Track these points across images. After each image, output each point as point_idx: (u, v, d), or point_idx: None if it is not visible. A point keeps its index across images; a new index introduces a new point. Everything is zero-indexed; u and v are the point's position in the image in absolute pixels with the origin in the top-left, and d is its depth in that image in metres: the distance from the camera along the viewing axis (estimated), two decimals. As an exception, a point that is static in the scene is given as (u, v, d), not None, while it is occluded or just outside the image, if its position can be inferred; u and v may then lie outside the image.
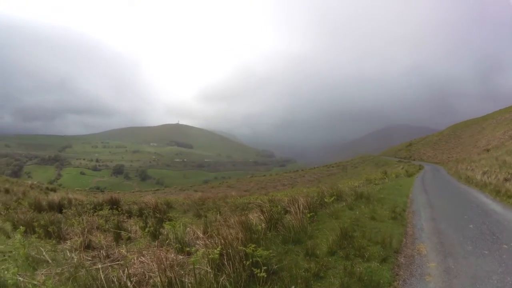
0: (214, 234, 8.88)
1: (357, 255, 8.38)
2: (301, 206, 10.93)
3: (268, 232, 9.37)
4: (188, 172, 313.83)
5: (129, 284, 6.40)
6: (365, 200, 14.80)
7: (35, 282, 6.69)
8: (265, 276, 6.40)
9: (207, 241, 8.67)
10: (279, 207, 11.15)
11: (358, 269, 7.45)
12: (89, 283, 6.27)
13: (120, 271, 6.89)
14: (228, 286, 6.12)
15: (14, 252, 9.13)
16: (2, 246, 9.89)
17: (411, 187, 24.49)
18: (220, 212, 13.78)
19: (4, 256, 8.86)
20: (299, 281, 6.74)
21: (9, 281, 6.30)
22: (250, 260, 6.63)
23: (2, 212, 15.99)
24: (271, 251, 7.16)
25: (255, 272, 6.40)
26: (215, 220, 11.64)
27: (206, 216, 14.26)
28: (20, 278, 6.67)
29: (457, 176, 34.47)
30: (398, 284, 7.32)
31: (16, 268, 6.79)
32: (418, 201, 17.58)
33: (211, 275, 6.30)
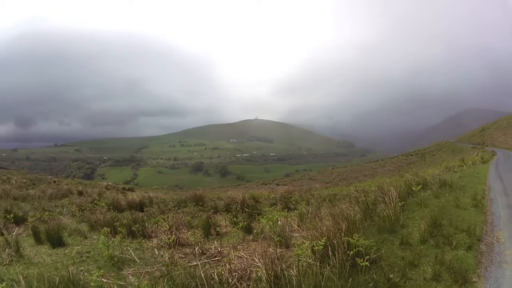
0: (310, 226, 8.82)
1: (445, 243, 8.26)
2: (393, 195, 10.77)
3: (364, 222, 9.21)
4: (269, 166, 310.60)
5: (230, 280, 6.21)
6: (448, 188, 14.52)
7: (121, 283, 6.70)
8: (368, 265, 6.27)
9: (303, 233, 8.69)
10: (372, 196, 11.03)
11: (447, 257, 7.35)
12: (187, 281, 6.09)
13: (219, 267, 6.72)
14: (333, 277, 5.90)
15: (92, 253, 9.25)
16: (78, 247, 10.09)
17: (487, 174, 23.85)
18: (309, 205, 13.56)
19: (82, 257, 8.93)
20: (396, 269, 6.65)
21: (92, 283, 6.17)
22: (354, 250, 6.45)
23: (77, 214, 16.26)
24: (372, 240, 7.04)
25: (358, 262, 6.24)
26: (306, 213, 11.37)
27: (295, 209, 13.90)
28: (103, 280, 6.60)
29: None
30: (480, 271, 7.20)
31: (101, 271, 6.62)
32: (495, 188, 17.07)
33: (316, 267, 6.06)
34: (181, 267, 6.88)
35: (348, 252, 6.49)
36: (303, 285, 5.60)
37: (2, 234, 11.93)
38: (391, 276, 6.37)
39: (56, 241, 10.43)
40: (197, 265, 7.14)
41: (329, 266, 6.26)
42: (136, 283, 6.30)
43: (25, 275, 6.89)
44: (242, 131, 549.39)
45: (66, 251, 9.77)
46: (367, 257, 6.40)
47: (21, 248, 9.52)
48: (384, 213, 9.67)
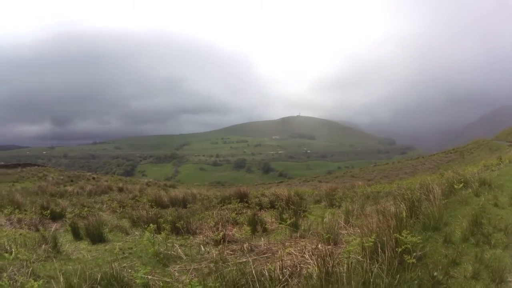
0: (357, 223, 8.88)
1: (485, 242, 8.04)
2: (438, 193, 10.68)
3: (409, 219, 9.13)
4: (312, 163, 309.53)
5: (281, 277, 6.10)
6: (487, 187, 14.36)
7: (168, 280, 6.58)
8: (414, 262, 6.22)
9: (350, 230, 8.62)
10: (418, 194, 10.97)
11: (486, 255, 7.20)
12: (237, 278, 6.03)
13: (269, 264, 6.63)
14: (381, 274, 5.84)
15: (135, 249, 9.19)
16: (120, 243, 10.04)
17: (523, 173, 23.50)
18: (353, 202, 13.47)
19: (124, 253, 8.83)
20: (440, 267, 6.53)
21: (138, 280, 6.11)
22: (402, 247, 6.36)
23: (117, 210, 16.46)
24: (419, 237, 6.91)
25: (405, 259, 6.17)
26: (351, 210, 11.27)
27: (339, 206, 13.86)
28: (148, 276, 6.46)
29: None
30: (515, 270, 7.22)
31: (147, 268, 6.66)
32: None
33: (366, 264, 6.04)
34: (231, 264, 6.87)
35: (396, 249, 6.42)
36: (352, 282, 5.55)
37: (38, 230, 11.93)
38: (435, 273, 6.27)
39: (96, 237, 10.39)
40: (246, 261, 7.10)
41: (377, 263, 6.18)
42: (186, 280, 6.16)
43: (63, 271, 6.75)
44: (284, 128, 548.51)
45: (107, 247, 9.73)
46: (414, 254, 6.38)
47: (59, 244, 9.35)
48: (429, 210, 9.52)
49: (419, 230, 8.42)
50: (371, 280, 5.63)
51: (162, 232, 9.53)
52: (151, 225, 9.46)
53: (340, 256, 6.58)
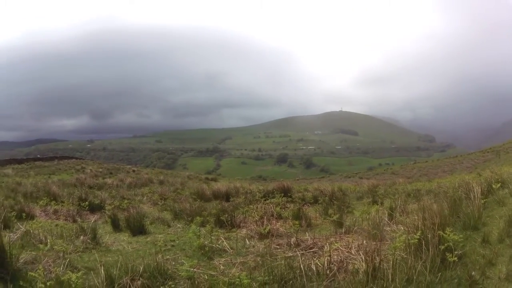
0: (401, 220, 8.94)
1: (519, 243, 8.02)
2: (477, 192, 10.60)
3: (451, 217, 9.07)
4: (353, 159, 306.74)
5: (328, 272, 6.13)
6: (522, 187, 14.21)
7: (213, 273, 6.50)
8: (456, 260, 6.16)
9: (394, 227, 8.60)
10: (459, 192, 10.90)
11: (518, 256, 7.24)
12: (285, 272, 6.03)
13: (315, 258, 6.76)
14: (424, 271, 5.86)
15: (177, 242, 9.17)
16: (161, 235, 10.02)
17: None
18: (395, 199, 13.39)
19: (166, 245, 8.73)
20: (477, 267, 6.42)
21: (183, 273, 6.12)
22: (445, 245, 6.36)
23: (159, 202, 16.50)
24: (460, 235, 6.89)
25: (447, 257, 6.14)
26: (394, 207, 11.26)
27: (382, 203, 13.73)
28: (193, 269, 6.33)
29: None
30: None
31: (194, 260, 6.57)
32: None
33: (411, 261, 6.06)
34: (278, 258, 6.84)
35: (439, 246, 6.42)
36: (397, 278, 5.56)
37: (75, 221, 12.13)
38: (473, 273, 6.19)
39: (137, 229, 10.50)
40: (294, 256, 7.02)
41: (421, 260, 6.19)
42: (236, 273, 6.18)
43: (102, 262, 6.70)
44: (326, 122, 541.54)
45: (148, 239, 9.80)
46: (455, 252, 6.33)
47: (98, 235, 9.39)
48: (469, 209, 9.42)
49: (459, 228, 8.38)
50: (415, 277, 5.65)
51: (207, 225, 9.46)
52: (197, 217, 9.75)
53: (384, 253, 6.58)
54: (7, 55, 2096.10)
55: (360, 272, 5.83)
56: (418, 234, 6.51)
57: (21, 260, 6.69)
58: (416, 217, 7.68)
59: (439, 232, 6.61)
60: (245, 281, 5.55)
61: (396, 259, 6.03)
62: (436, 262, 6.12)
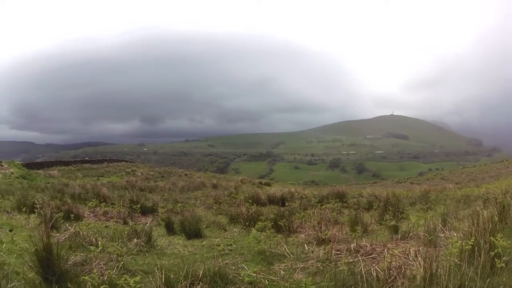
0: (454, 227, 8.82)
1: None
2: None
3: (499, 224, 8.84)
4: (404, 163, 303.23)
5: (387, 278, 6.07)
6: None
7: (274, 278, 6.45)
8: (504, 266, 6.05)
9: (447, 234, 8.50)
10: (508, 198, 10.68)
11: None
12: (346, 278, 6.02)
13: (374, 264, 6.77)
14: (475, 277, 5.70)
15: (234, 246, 9.13)
16: (217, 239, 10.04)
17: None
18: (446, 205, 13.18)
19: (224, 250, 8.55)
20: (522, 275, 6.54)
21: (246, 278, 6.08)
22: (495, 251, 6.23)
23: (214, 206, 16.53)
24: (509, 242, 6.60)
25: (496, 263, 6.07)
26: (445, 213, 10.88)
27: (434, 209, 13.59)
28: (253, 274, 6.25)
29: None
30: None
31: (258, 266, 6.64)
32: None
33: (464, 267, 5.86)
34: (340, 264, 6.68)
35: (490, 252, 6.33)
36: (450, 285, 5.48)
37: (126, 223, 12.23)
38: (518, 281, 6.34)
39: (192, 233, 10.52)
40: (356, 261, 7.02)
41: (472, 266, 6.09)
42: (302, 279, 6.14)
43: (158, 266, 6.37)
44: (378, 127, 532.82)
45: (204, 243, 9.79)
46: (504, 258, 6.23)
47: (153, 238, 9.39)
48: (516, 215, 9.61)
49: (507, 235, 8.19)
50: (466, 283, 5.56)
51: (266, 230, 9.35)
52: (259, 222, 9.59)
53: (439, 259, 6.43)
54: (57, 60, 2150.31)
55: (418, 278, 5.83)
56: (471, 240, 6.50)
57: (70, 262, 6.70)
58: (467, 224, 7.62)
59: (491, 238, 6.56)
60: (311, 286, 5.55)
61: (450, 265, 5.96)
62: (486, 268, 6.10)
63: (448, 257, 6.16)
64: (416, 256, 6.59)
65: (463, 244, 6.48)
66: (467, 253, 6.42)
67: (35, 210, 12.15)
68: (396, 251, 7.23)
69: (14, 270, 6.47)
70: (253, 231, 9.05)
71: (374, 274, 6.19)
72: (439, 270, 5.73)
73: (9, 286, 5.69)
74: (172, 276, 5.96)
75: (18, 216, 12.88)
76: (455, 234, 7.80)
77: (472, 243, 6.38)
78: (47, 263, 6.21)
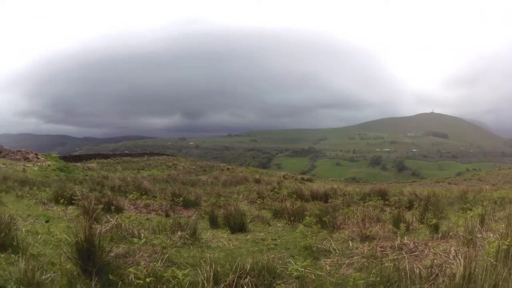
0: (491, 227, 8.96)
1: None
2: None
3: None
4: (443, 163, 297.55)
5: (429, 275, 6.19)
6: None
7: (320, 273, 6.53)
8: None
9: (484, 234, 8.53)
10: None
11: None
12: (391, 274, 6.11)
13: (417, 262, 6.81)
14: (508, 277, 5.78)
15: (279, 240, 9.25)
16: (262, 234, 10.15)
17: None
18: (484, 206, 13.09)
19: (269, 244, 8.76)
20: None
21: (294, 273, 6.17)
22: None
23: (257, 201, 16.57)
24: None
25: None
26: (484, 214, 10.95)
27: (471, 210, 13.41)
28: (301, 269, 6.34)
29: None
30: None
31: (307, 260, 6.70)
32: None
33: (500, 267, 5.95)
34: (385, 260, 6.90)
35: None
36: (485, 284, 5.56)
37: (168, 216, 12.39)
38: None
39: (237, 227, 10.57)
40: (401, 258, 7.08)
41: (506, 266, 6.16)
42: (347, 273, 6.36)
43: (204, 259, 6.61)
44: (418, 124, 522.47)
45: (248, 237, 9.85)
46: None
47: (198, 231, 9.36)
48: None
49: None
50: (500, 284, 5.64)
51: (312, 226, 9.35)
52: (306, 218, 9.74)
53: (477, 259, 6.46)
54: (99, 55, 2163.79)
55: (457, 276, 5.85)
56: (508, 241, 6.62)
57: (112, 253, 6.71)
58: (503, 225, 7.85)
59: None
60: (359, 281, 5.72)
61: (486, 265, 6.09)
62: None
63: (486, 257, 6.32)
64: (456, 255, 6.58)
65: (500, 244, 6.56)
66: (503, 253, 6.48)
67: (74, 201, 12.55)
68: (437, 250, 7.38)
69: (50, 261, 6.63)
70: (300, 226, 9.17)
71: (417, 271, 6.30)
72: (476, 270, 5.82)
73: (44, 277, 5.68)
74: (219, 269, 5.99)
75: (55, 208, 13.11)
76: (491, 235, 7.87)
77: (508, 243, 6.49)
78: (88, 255, 6.28)
